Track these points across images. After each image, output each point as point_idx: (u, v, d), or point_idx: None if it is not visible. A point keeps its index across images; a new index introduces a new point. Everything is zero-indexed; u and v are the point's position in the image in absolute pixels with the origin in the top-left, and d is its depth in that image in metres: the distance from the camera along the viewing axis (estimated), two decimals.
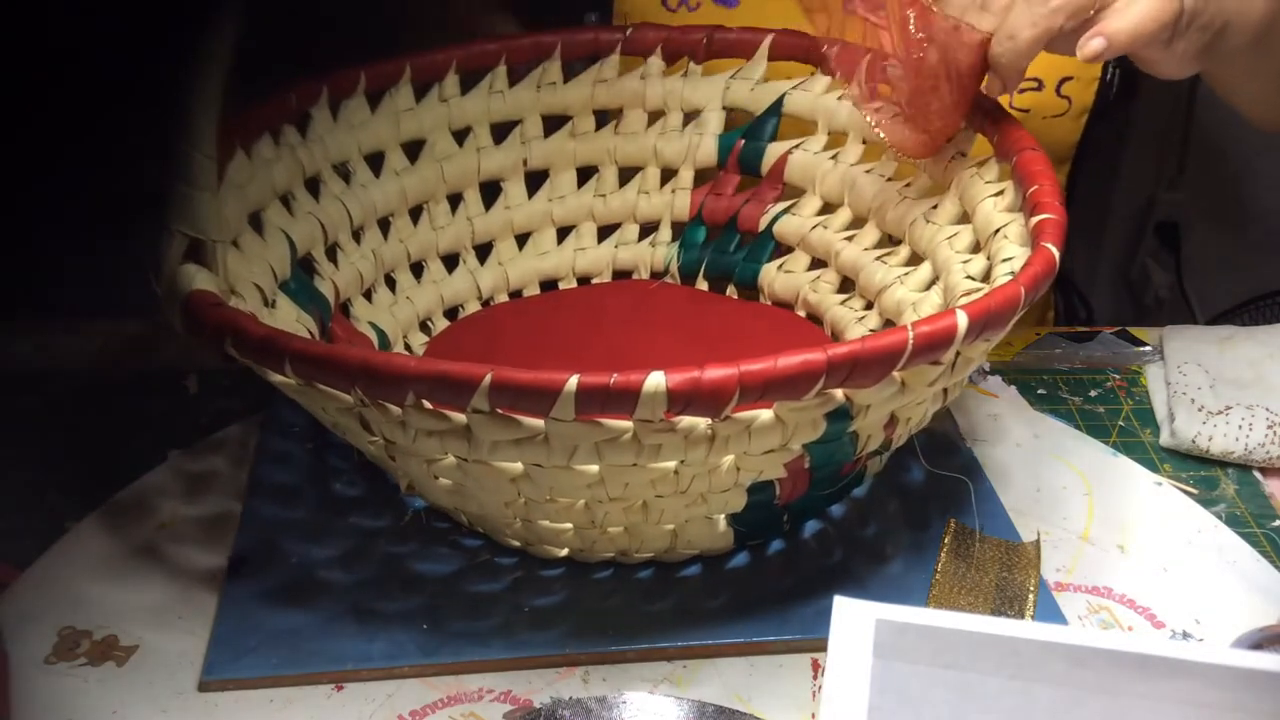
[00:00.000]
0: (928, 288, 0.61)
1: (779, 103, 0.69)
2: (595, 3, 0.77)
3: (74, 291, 0.73)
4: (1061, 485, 0.61)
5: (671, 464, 0.45)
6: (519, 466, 0.45)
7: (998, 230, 0.56)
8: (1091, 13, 0.54)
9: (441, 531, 0.56)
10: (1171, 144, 1.11)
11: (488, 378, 0.40)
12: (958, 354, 0.46)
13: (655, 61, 0.70)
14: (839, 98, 0.67)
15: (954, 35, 0.55)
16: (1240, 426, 0.62)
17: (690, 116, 0.71)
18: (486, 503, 0.49)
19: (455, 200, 0.69)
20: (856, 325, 0.65)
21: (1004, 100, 0.69)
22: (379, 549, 0.55)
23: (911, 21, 0.56)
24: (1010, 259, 0.53)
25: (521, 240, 0.71)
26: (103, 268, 0.67)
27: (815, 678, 0.50)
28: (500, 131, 0.69)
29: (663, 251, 0.72)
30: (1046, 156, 0.55)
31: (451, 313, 0.69)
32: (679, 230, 0.72)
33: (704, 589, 0.53)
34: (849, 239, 0.66)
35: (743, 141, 0.70)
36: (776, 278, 0.69)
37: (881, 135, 0.60)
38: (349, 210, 0.63)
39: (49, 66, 0.79)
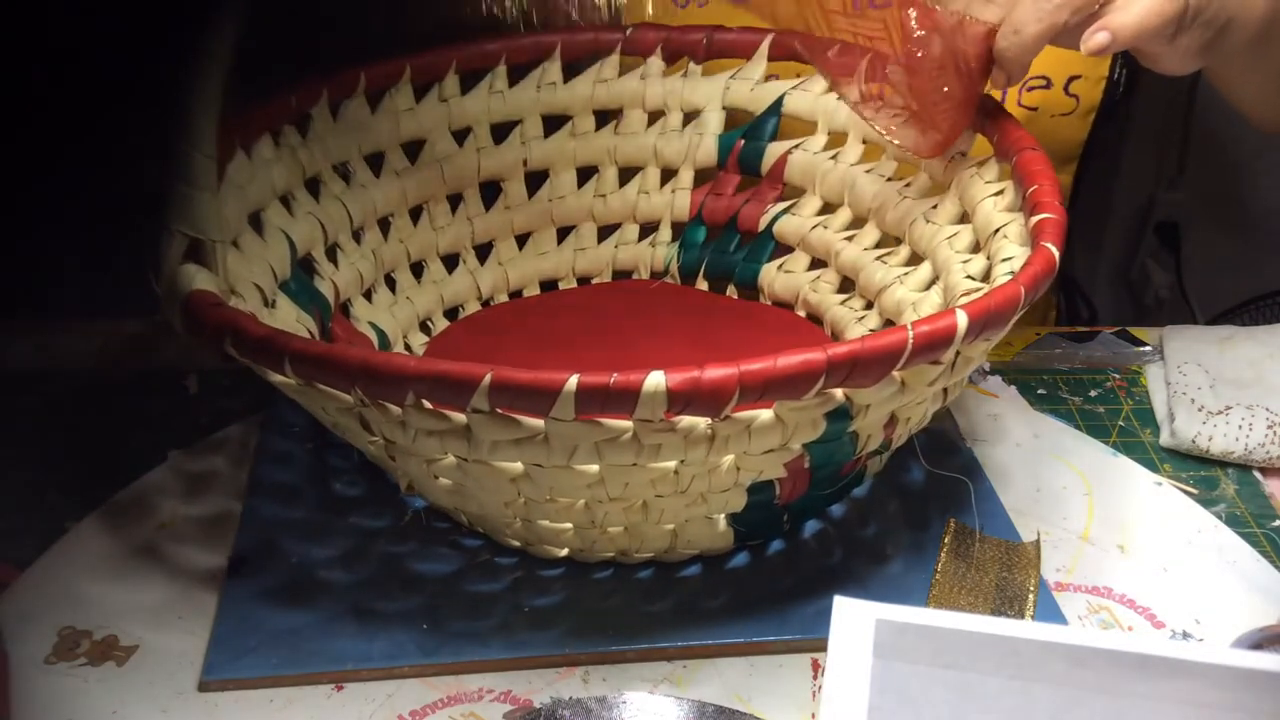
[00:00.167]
0: (928, 287, 0.61)
1: (779, 103, 0.69)
2: None
3: (74, 291, 0.73)
4: (1061, 485, 0.61)
5: (671, 464, 0.45)
6: (519, 466, 0.45)
7: (998, 230, 0.56)
8: (1096, 7, 0.54)
9: (441, 531, 0.56)
10: (1171, 143, 1.10)
11: (488, 378, 0.40)
12: (958, 354, 0.46)
13: (655, 61, 0.70)
14: (839, 97, 0.67)
15: (959, 28, 0.55)
16: (1240, 426, 0.62)
17: (690, 116, 0.71)
18: (486, 503, 0.49)
19: (455, 200, 0.69)
20: (856, 325, 0.65)
21: (1012, 97, 0.69)
22: (379, 549, 0.55)
23: (913, 19, 0.56)
24: (1010, 259, 0.53)
25: (521, 240, 0.71)
26: (103, 268, 0.67)
27: (815, 678, 0.50)
28: (500, 131, 0.69)
29: (663, 251, 0.72)
30: (1046, 156, 0.55)
31: (451, 313, 0.69)
32: (679, 230, 0.72)
33: (704, 589, 0.53)
34: (849, 239, 0.66)
35: (743, 141, 0.70)
36: (776, 278, 0.69)
37: (895, 141, 0.60)
38: (349, 210, 0.63)
39: (49, 66, 0.79)
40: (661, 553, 0.53)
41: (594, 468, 0.45)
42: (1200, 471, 0.63)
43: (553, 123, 0.70)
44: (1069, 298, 0.92)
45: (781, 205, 0.70)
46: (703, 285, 0.72)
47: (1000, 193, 0.57)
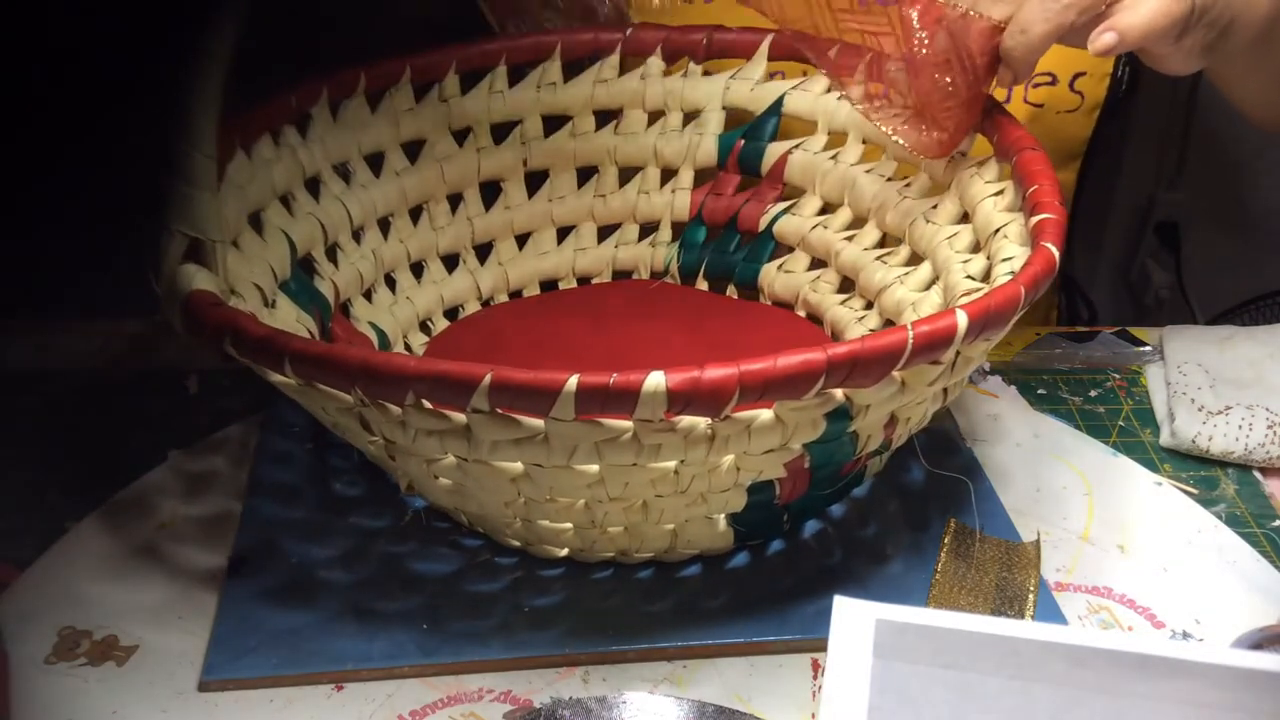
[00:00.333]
0: (928, 287, 0.61)
1: (779, 103, 0.69)
2: None
3: (74, 291, 0.73)
4: (1061, 485, 0.61)
5: (671, 464, 0.45)
6: (519, 466, 0.45)
7: (998, 230, 0.56)
8: (1103, 7, 0.54)
9: (441, 531, 0.56)
10: (1172, 143, 1.11)
11: (488, 377, 0.40)
12: (958, 354, 0.46)
13: (655, 61, 0.70)
14: (839, 97, 0.67)
15: (965, 24, 0.55)
16: (1240, 426, 0.62)
17: (690, 116, 0.71)
18: (486, 502, 0.49)
19: (455, 200, 0.69)
20: (856, 325, 0.65)
21: (1018, 93, 0.69)
22: (379, 549, 0.55)
23: (916, 17, 0.56)
24: (1010, 259, 0.53)
25: (521, 240, 0.71)
26: (103, 268, 0.67)
27: (815, 678, 0.50)
28: (500, 131, 0.69)
29: (663, 251, 0.72)
30: (1046, 156, 0.55)
31: (451, 313, 0.69)
32: (679, 230, 0.72)
33: (704, 589, 0.53)
34: (849, 239, 0.66)
35: (743, 141, 0.70)
36: (776, 278, 0.69)
37: (900, 141, 0.60)
38: (349, 210, 0.63)
39: (49, 66, 0.79)
40: (661, 553, 0.53)
41: (594, 468, 0.45)
42: (1200, 471, 0.63)
43: (553, 123, 0.70)
44: (1069, 298, 0.92)
45: (781, 205, 0.70)
46: (703, 285, 0.72)
47: (1000, 193, 0.57)
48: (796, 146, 0.69)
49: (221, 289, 0.48)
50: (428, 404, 0.43)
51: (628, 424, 0.43)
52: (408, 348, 0.65)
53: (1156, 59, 0.58)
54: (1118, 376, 0.70)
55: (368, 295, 0.64)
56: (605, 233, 0.72)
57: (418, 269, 0.68)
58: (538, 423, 0.42)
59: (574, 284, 0.72)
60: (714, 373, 0.40)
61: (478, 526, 0.55)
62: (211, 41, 0.48)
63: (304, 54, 0.65)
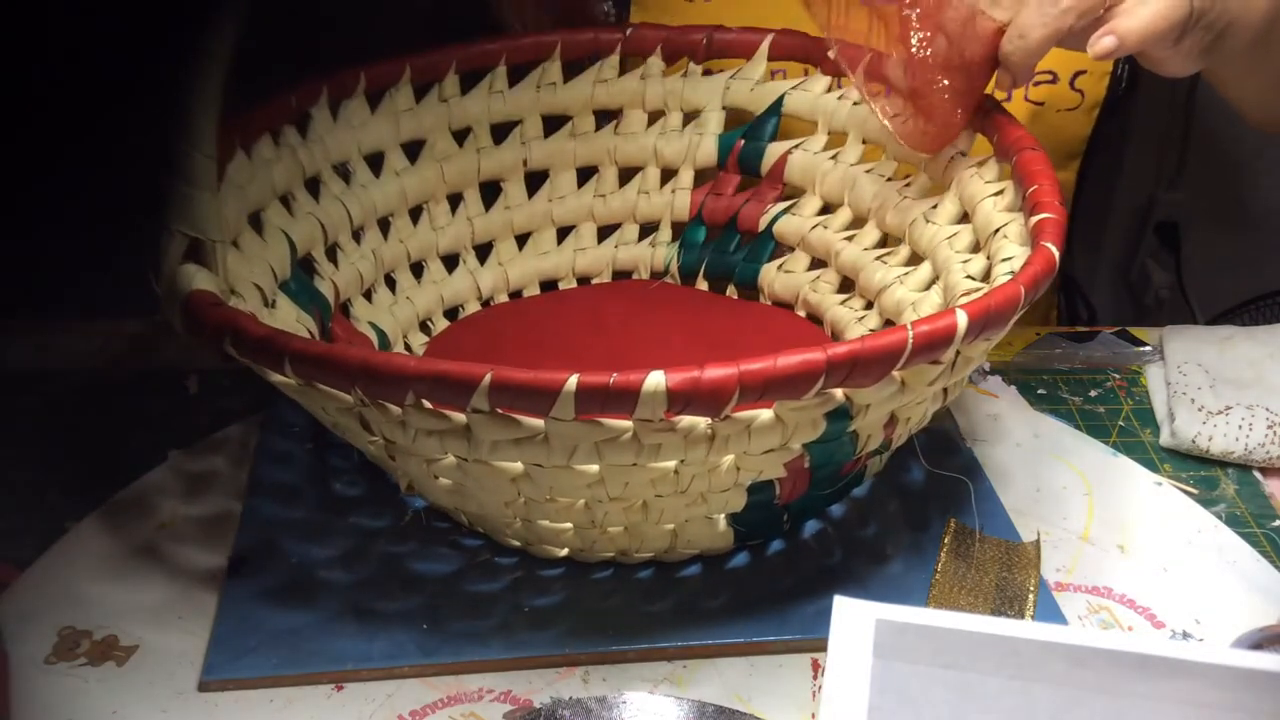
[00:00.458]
0: (928, 287, 0.61)
1: (779, 103, 0.69)
2: None
3: (74, 291, 0.73)
4: (1061, 485, 0.61)
5: (671, 464, 0.45)
6: (519, 466, 0.45)
7: (997, 230, 0.56)
8: (1102, 11, 0.54)
9: (441, 531, 0.56)
10: (1171, 143, 1.11)
11: (487, 377, 0.40)
12: (957, 353, 0.46)
13: (655, 61, 0.70)
14: (839, 97, 0.67)
15: (967, 25, 0.55)
16: (1240, 426, 0.62)
17: (690, 116, 0.71)
18: (486, 502, 0.49)
19: (455, 200, 0.69)
20: (856, 325, 0.65)
21: (1019, 92, 0.69)
22: (379, 549, 0.55)
23: (914, 18, 0.56)
24: (1010, 258, 0.53)
25: (521, 240, 0.71)
26: (103, 268, 0.67)
27: (815, 678, 0.50)
28: (500, 131, 0.69)
29: (663, 251, 0.72)
30: (1046, 156, 0.55)
31: (451, 313, 0.69)
32: (679, 230, 0.72)
33: (704, 589, 0.53)
34: (849, 239, 0.66)
35: (743, 141, 0.70)
36: (776, 278, 0.69)
37: (889, 128, 0.60)
38: (349, 210, 0.63)
39: (49, 66, 0.79)
40: (661, 553, 0.53)
41: (594, 467, 0.45)
42: (1200, 471, 0.63)
43: (553, 123, 0.70)
44: (1069, 298, 0.92)
45: (781, 205, 0.70)
46: (703, 285, 0.72)
47: (1000, 192, 0.57)
48: (796, 146, 0.69)
49: (221, 289, 0.48)
50: (428, 404, 0.43)
51: (628, 424, 0.43)
52: (408, 348, 0.65)
53: (1155, 61, 0.58)
54: (1118, 376, 0.70)
55: (368, 295, 0.64)
56: (605, 233, 0.72)
57: (418, 269, 0.68)
58: (538, 423, 0.42)
59: (574, 284, 0.72)
60: (714, 372, 0.40)
61: (478, 526, 0.55)
62: (211, 41, 0.48)
63: (304, 54, 0.65)
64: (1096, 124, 0.75)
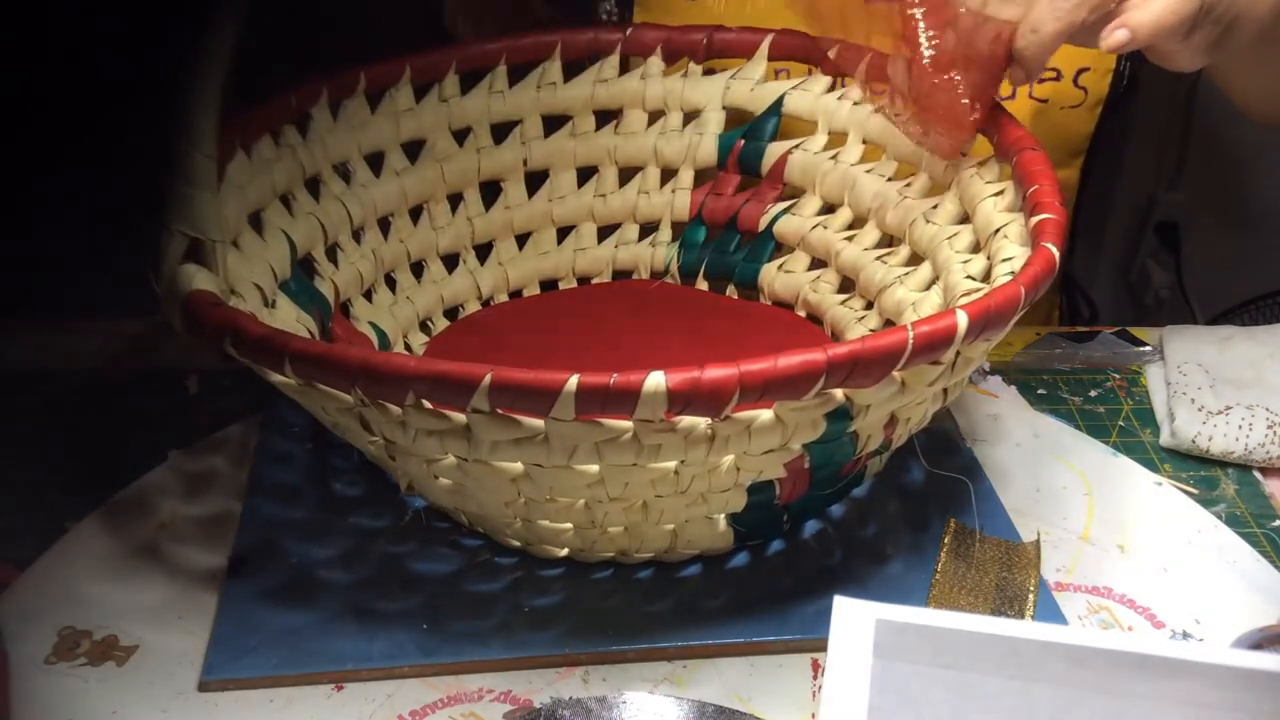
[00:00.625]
0: (928, 288, 0.61)
1: (779, 103, 0.69)
2: None
3: (74, 291, 0.73)
4: (1061, 485, 0.61)
5: (671, 464, 0.45)
6: (519, 466, 0.45)
7: (998, 230, 0.56)
8: (1113, 5, 0.55)
9: (441, 531, 0.56)
10: (1172, 142, 1.11)
11: (488, 378, 0.40)
12: (958, 354, 0.46)
13: (655, 61, 0.70)
14: (839, 97, 0.67)
15: (978, 22, 0.55)
16: (1240, 426, 0.62)
17: (690, 116, 0.71)
18: (486, 503, 0.49)
19: (455, 200, 0.69)
20: (856, 325, 0.65)
21: (1023, 89, 0.69)
22: (379, 549, 0.55)
23: (919, 17, 0.56)
24: (1010, 259, 0.53)
25: (521, 240, 0.71)
26: (103, 268, 0.68)
27: (815, 678, 0.50)
28: (500, 131, 0.69)
29: (663, 251, 0.72)
30: (1046, 156, 0.55)
31: (451, 313, 0.69)
32: (679, 230, 0.72)
33: (704, 589, 0.53)
34: (849, 239, 0.66)
35: (743, 141, 0.70)
36: (776, 278, 0.69)
37: (909, 136, 0.60)
38: (349, 210, 0.63)
39: (49, 66, 0.79)
40: (661, 553, 0.53)
41: (594, 468, 0.45)
42: (1200, 471, 0.63)
43: (553, 123, 0.70)
44: (1069, 297, 0.92)
45: (781, 205, 0.70)
46: (703, 285, 0.72)
47: (1000, 193, 0.57)
48: (796, 146, 0.69)
49: (221, 289, 0.48)
50: (428, 404, 0.43)
51: (628, 424, 0.43)
52: (408, 348, 0.65)
53: (1163, 55, 0.59)
54: (1118, 376, 0.70)
55: (368, 295, 0.64)
56: (605, 233, 0.72)
57: (418, 269, 0.68)
58: (538, 423, 0.42)
59: (574, 284, 0.72)
60: (714, 373, 0.40)
61: (478, 526, 0.55)
62: (211, 41, 0.48)
63: (304, 54, 0.65)
64: (1099, 121, 0.76)
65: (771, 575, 0.54)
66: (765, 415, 0.44)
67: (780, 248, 0.70)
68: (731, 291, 0.71)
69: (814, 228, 0.68)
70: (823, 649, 0.49)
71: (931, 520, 0.57)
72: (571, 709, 0.47)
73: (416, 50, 0.66)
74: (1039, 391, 0.69)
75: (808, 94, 0.68)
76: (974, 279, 0.56)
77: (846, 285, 0.67)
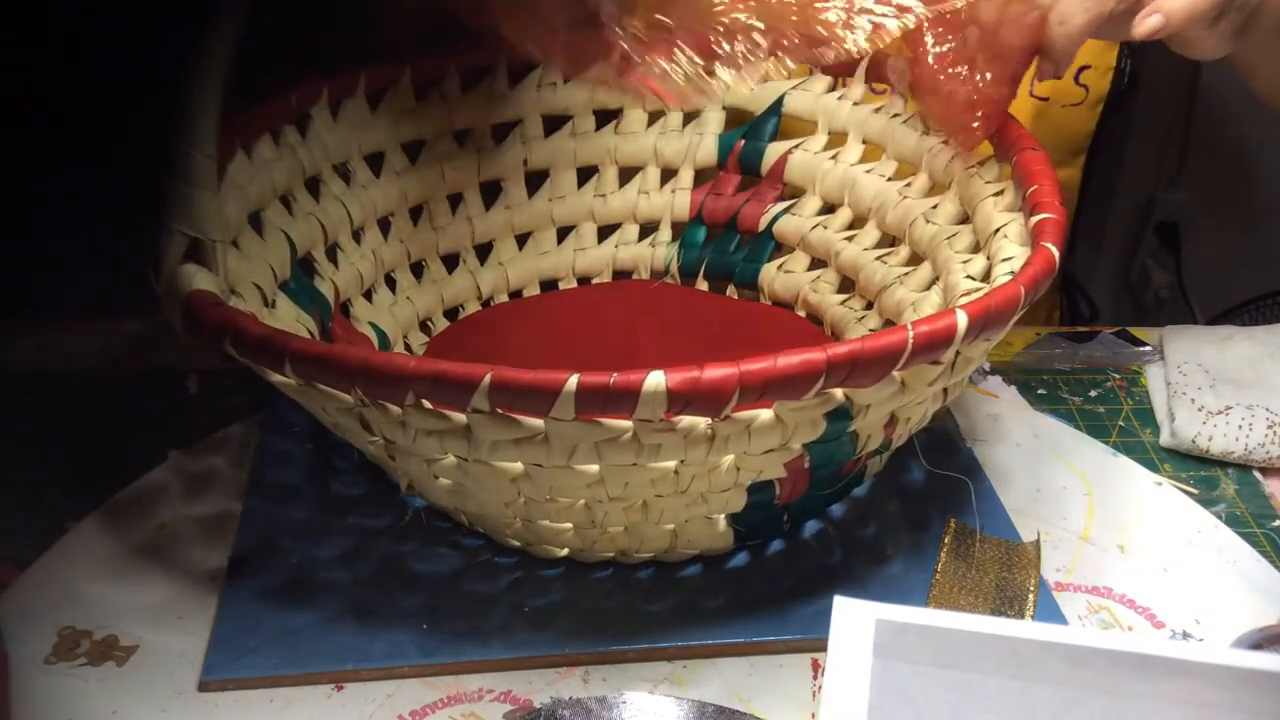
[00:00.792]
0: (928, 287, 0.61)
1: (779, 103, 0.69)
2: None
3: (74, 291, 0.73)
4: (1061, 485, 0.61)
5: (671, 464, 0.45)
6: (519, 466, 0.45)
7: (998, 230, 0.56)
8: None
9: (441, 531, 0.56)
10: (1172, 141, 1.11)
11: (488, 378, 0.40)
12: (958, 354, 0.46)
13: None
14: (839, 97, 0.67)
15: (1004, 15, 0.55)
16: (1240, 426, 0.62)
17: (690, 116, 0.71)
18: (486, 502, 0.49)
19: (455, 200, 0.69)
20: (856, 325, 0.65)
21: (1024, 87, 0.69)
22: (379, 549, 0.55)
23: (952, 13, 0.56)
24: (1010, 259, 0.53)
25: (521, 240, 0.71)
26: (103, 268, 0.67)
27: (815, 678, 0.50)
28: (500, 131, 0.69)
29: (663, 251, 0.72)
30: (1047, 156, 0.55)
31: (451, 313, 0.69)
32: (679, 230, 0.72)
33: (704, 589, 0.53)
34: (849, 239, 0.66)
35: (743, 141, 0.70)
36: (776, 278, 0.69)
37: (932, 126, 0.60)
38: (349, 210, 0.63)
39: (49, 66, 0.79)
40: (661, 553, 0.53)
41: (594, 468, 0.45)
42: (1200, 471, 0.63)
43: (553, 123, 0.70)
44: (1069, 298, 0.92)
45: (781, 205, 0.70)
46: (703, 285, 0.72)
47: (1000, 193, 0.57)
48: (796, 146, 0.69)
49: (221, 289, 0.48)
50: (428, 404, 0.43)
51: (628, 424, 0.43)
52: (408, 348, 0.65)
53: (1187, 43, 0.59)
54: (1118, 376, 0.70)
55: (368, 295, 0.64)
56: (605, 232, 0.72)
57: (418, 269, 0.68)
58: (538, 423, 0.42)
59: (574, 284, 0.72)
60: (714, 373, 0.40)
61: (478, 526, 0.55)
62: (211, 41, 0.48)
63: (304, 54, 0.65)
64: (1100, 119, 0.76)
65: (771, 575, 0.54)
66: (765, 415, 0.44)
67: (780, 248, 0.70)
68: (731, 291, 0.71)
69: (814, 228, 0.68)
70: (823, 649, 0.49)
71: (931, 520, 0.57)
72: (571, 709, 0.47)
73: (416, 50, 0.66)
74: (1039, 391, 0.69)
75: (808, 94, 0.68)
76: (974, 279, 0.56)
77: (846, 285, 0.67)
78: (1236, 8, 0.57)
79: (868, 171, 0.66)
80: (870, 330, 0.64)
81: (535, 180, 0.71)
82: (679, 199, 0.72)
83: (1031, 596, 0.52)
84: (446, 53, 0.67)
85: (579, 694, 0.48)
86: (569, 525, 0.50)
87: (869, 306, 0.65)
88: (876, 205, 0.65)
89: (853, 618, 0.38)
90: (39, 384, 0.66)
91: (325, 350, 0.43)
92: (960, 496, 0.58)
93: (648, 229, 0.73)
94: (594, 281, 0.73)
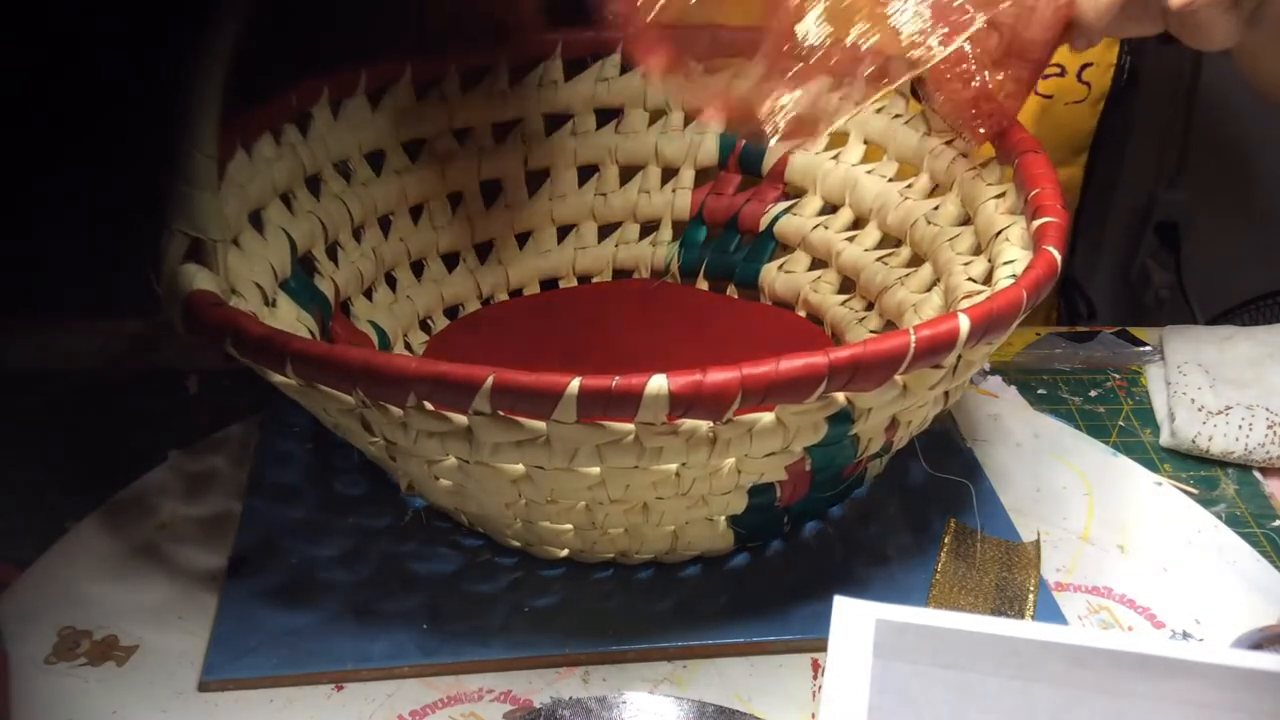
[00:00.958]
0: (929, 289, 0.61)
1: None
2: None
3: (74, 291, 0.73)
4: (1061, 485, 0.61)
5: (673, 466, 0.45)
6: (520, 468, 0.45)
7: (999, 232, 0.56)
8: None
9: (442, 531, 0.56)
10: (1172, 142, 1.11)
11: (490, 380, 0.40)
12: (959, 357, 0.46)
13: None
14: (840, 97, 0.67)
15: (1029, 10, 0.55)
16: (1240, 426, 0.62)
17: (691, 116, 0.71)
18: (487, 503, 0.49)
19: (455, 200, 0.69)
20: (857, 326, 0.65)
21: None
22: (379, 549, 0.55)
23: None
24: (1012, 261, 0.53)
25: (522, 239, 0.71)
26: (103, 268, 0.68)
27: (815, 678, 0.50)
28: (500, 131, 0.69)
29: (663, 251, 0.72)
30: (1048, 158, 0.55)
31: (451, 311, 0.69)
32: (679, 230, 0.72)
33: (704, 589, 0.53)
34: (850, 239, 0.66)
35: (744, 141, 0.70)
36: (777, 278, 0.69)
37: (948, 121, 0.60)
38: (349, 209, 0.63)
39: (49, 67, 0.79)
40: (662, 554, 0.53)
41: (595, 470, 0.45)
42: (1200, 471, 0.63)
43: (553, 122, 0.70)
44: (1069, 298, 0.92)
45: (782, 205, 0.70)
46: (703, 285, 0.72)
47: (1002, 195, 0.57)
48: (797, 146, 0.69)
49: (222, 288, 0.48)
50: (429, 405, 0.43)
51: (629, 427, 0.43)
52: (408, 346, 0.65)
53: (1204, 27, 0.58)
54: (1118, 376, 0.70)
55: (368, 294, 0.64)
56: (606, 232, 0.72)
57: (418, 268, 0.68)
58: (539, 425, 0.42)
59: (574, 283, 0.72)
60: (716, 376, 0.40)
61: (478, 527, 0.55)
62: (211, 41, 0.48)
63: (304, 54, 0.65)
64: (1101, 117, 0.76)
65: (771, 575, 0.54)
66: (767, 418, 0.44)
67: (781, 248, 0.70)
68: (732, 291, 0.71)
69: (815, 228, 0.68)
70: (823, 649, 0.49)
71: (932, 520, 0.57)
72: (571, 709, 0.47)
73: (416, 49, 0.66)
74: (1039, 391, 0.69)
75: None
76: (975, 281, 0.56)
77: (847, 286, 0.67)
78: None
79: (869, 172, 0.66)
80: (871, 331, 0.64)
81: (535, 179, 0.71)
82: (680, 198, 0.72)
83: (1031, 596, 0.52)
84: (447, 52, 0.67)
85: (579, 694, 0.48)
86: (569, 526, 0.50)
87: (869, 307, 0.65)
88: (877, 206, 0.65)
89: (853, 618, 0.38)
90: (39, 384, 0.66)
91: (326, 351, 0.43)
92: (960, 497, 0.58)
93: (648, 228, 0.73)
94: (594, 281, 0.73)
